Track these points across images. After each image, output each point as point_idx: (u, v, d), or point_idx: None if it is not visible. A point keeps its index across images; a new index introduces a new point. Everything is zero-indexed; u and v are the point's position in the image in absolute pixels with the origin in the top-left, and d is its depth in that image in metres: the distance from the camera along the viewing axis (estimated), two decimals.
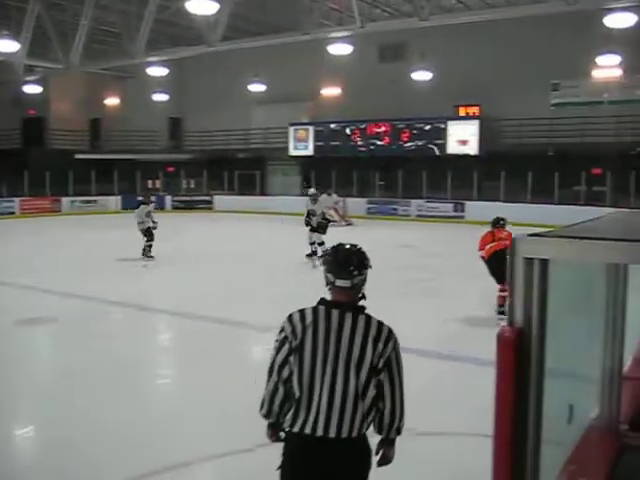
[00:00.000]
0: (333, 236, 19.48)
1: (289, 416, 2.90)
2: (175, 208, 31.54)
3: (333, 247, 3.15)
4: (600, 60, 21.43)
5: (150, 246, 15.03)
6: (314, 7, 17.58)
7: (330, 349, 2.83)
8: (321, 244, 14.70)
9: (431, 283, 12.46)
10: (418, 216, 26.89)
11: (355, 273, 2.93)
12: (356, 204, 27.61)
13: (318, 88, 30.90)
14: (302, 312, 2.94)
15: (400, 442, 3.03)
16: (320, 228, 15.13)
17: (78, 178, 30.77)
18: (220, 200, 31.67)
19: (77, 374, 6.75)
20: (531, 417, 1.54)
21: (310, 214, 15.18)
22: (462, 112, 27.55)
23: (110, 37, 26.06)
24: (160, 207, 30.60)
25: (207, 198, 32.25)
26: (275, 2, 23.03)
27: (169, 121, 35.26)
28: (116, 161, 32.31)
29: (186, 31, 24.93)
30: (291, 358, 2.87)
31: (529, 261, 1.39)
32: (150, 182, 33.65)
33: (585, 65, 23.35)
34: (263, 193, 32.31)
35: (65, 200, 30.44)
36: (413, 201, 27.29)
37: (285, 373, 2.89)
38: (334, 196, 24.19)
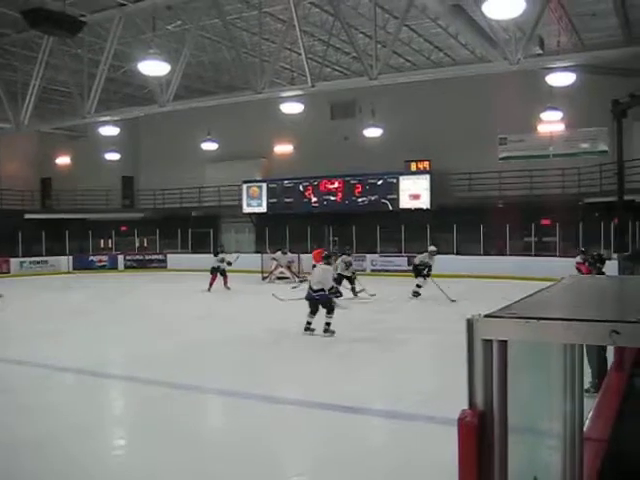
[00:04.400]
0: (287, 293, 19.41)
1: None
2: (128, 267, 31.07)
3: None
4: (544, 115, 22.22)
5: None
6: (266, 67, 17.79)
7: None
8: None
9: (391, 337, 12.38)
10: (372, 271, 26.82)
11: None
12: (310, 260, 27.38)
13: (271, 145, 31.30)
14: None
15: None
16: None
17: (28, 238, 30.19)
18: (174, 258, 31.34)
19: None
20: None
21: None
22: (413, 167, 28.01)
23: (61, 96, 25.99)
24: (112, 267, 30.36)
25: (160, 257, 31.87)
26: (227, 62, 23.35)
27: (122, 180, 35.08)
28: (67, 221, 31.86)
29: (138, 90, 25.11)
30: None
31: (487, 342, 1.37)
32: (102, 241, 33.20)
33: (530, 120, 24.13)
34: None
35: (14, 261, 29.70)
36: (367, 255, 27.31)
37: None
38: (288, 254, 24.37)
